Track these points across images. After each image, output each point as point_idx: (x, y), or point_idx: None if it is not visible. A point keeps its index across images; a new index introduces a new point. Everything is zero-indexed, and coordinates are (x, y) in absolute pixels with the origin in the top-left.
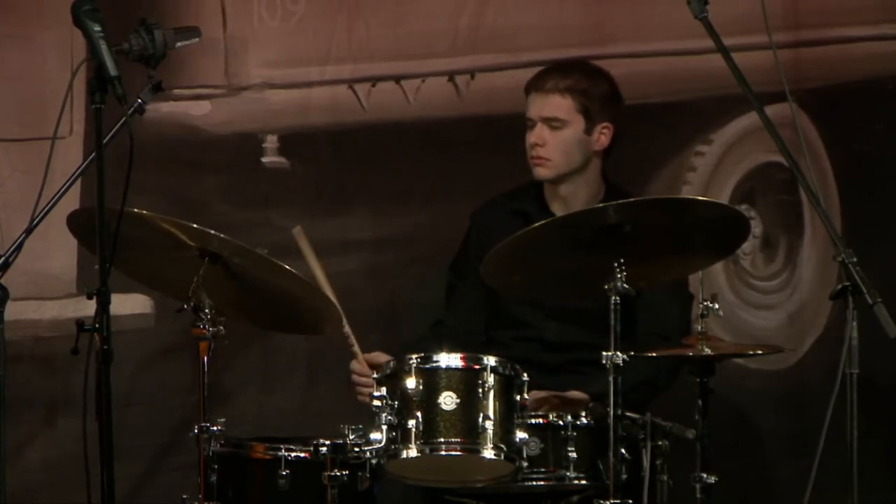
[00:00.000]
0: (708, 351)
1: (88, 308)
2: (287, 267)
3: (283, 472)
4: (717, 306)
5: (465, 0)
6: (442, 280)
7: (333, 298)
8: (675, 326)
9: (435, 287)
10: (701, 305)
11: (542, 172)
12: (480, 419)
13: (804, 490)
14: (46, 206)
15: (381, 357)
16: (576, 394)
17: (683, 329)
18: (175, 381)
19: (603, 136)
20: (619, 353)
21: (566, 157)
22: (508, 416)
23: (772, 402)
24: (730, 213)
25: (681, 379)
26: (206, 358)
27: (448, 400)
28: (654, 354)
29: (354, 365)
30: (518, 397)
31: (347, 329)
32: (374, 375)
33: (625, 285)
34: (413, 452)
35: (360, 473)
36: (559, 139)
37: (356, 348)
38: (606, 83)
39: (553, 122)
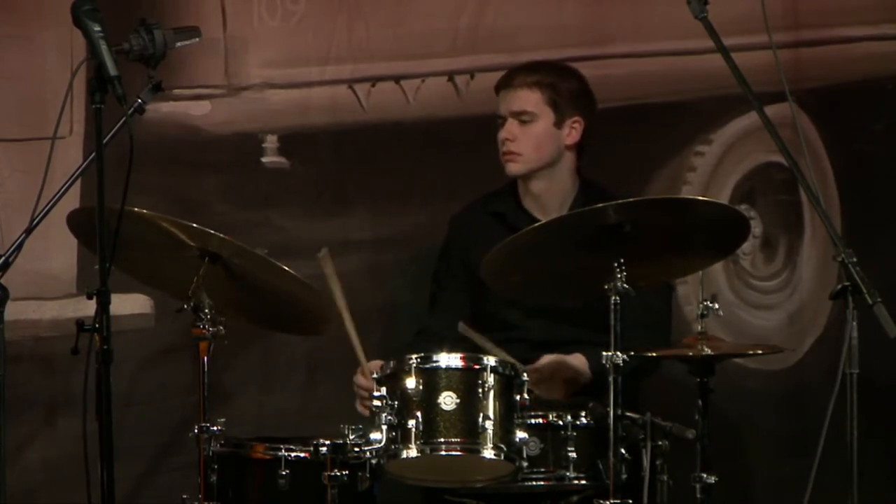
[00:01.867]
0: (708, 351)
1: (88, 308)
2: (286, 268)
3: (283, 472)
4: (717, 306)
5: (464, 0)
6: None
7: (353, 333)
8: (659, 318)
9: None
10: (701, 305)
11: (513, 168)
12: (480, 419)
13: (804, 490)
14: (46, 206)
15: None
16: (577, 358)
17: (666, 320)
18: (175, 381)
19: (574, 130)
20: (619, 353)
21: (537, 151)
22: (508, 416)
23: (772, 402)
24: (730, 213)
25: (680, 379)
26: (206, 358)
27: (448, 400)
28: (654, 354)
29: (360, 379)
30: (518, 397)
31: (355, 340)
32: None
33: (625, 285)
34: (413, 452)
35: (360, 473)
36: (529, 133)
37: (363, 359)
38: (576, 80)
39: (523, 116)
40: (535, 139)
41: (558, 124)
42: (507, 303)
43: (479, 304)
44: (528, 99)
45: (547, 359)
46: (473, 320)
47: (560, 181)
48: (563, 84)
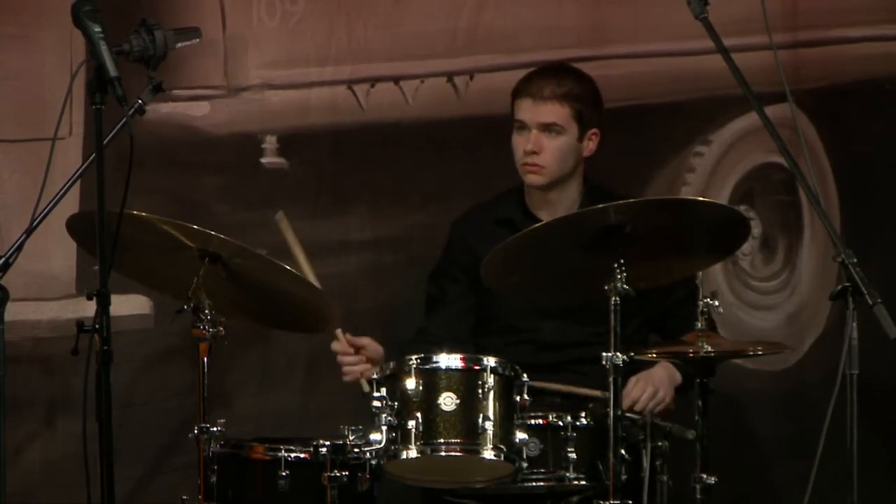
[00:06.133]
0: (708, 348)
1: (88, 309)
2: (287, 267)
3: (283, 473)
4: (717, 303)
5: (463, 1)
6: None
7: (316, 283)
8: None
9: None
10: (701, 303)
11: (535, 180)
12: (480, 420)
13: (804, 490)
14: (46, 207)
15: (364, 340)
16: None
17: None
18: (175, 381)
19: (591, 142)
20: (618, 353)
21: (560, 164)
22: (508, 417)
23: (772, 403)
24: (730, 214)
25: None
26: (205, 358)
27: (448, 401)
28: (654, 354)
29: (335, 345)
30: (518, 398)
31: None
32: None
33: (625, 286)
34: (413, 453)
35: (359, 474)
36: (555, 146)
37: (337, 330)
38: (593, 90)
39: (554, 128)
40: (560, 153)
41: (580, 138)
42: (513, 305)
43: (485, 309)
44: (559, 113)
45: (633, 379)
46: (478, 324)
47: (572, 189)
48: (587, 97)
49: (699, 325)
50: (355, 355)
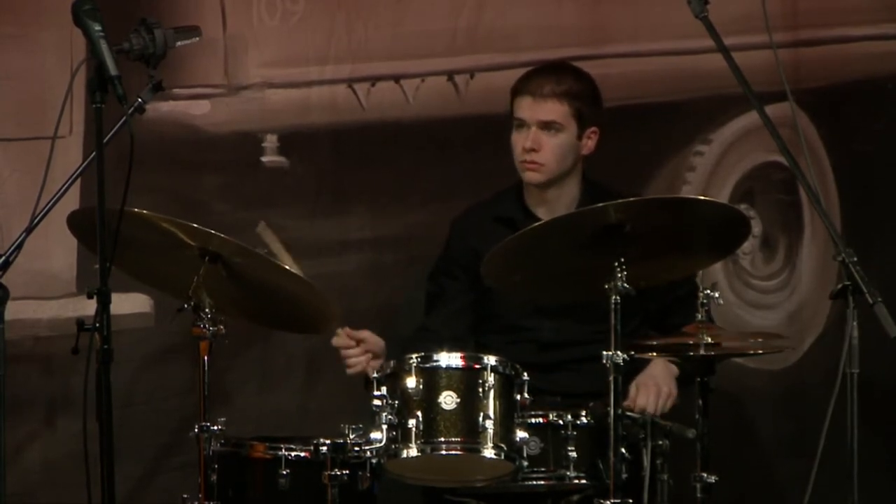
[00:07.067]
0: (708, 340)
1: (88, 307)
2: (287, 267)
3: (284, 472)
4: (717, 294)
5: (463, 0)
6: None
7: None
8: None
9: None
10: (701, 294)
11: (534, 177)
12: (481, 419)
13: (804, 490)
14: (46, 205)
15: (364, 333)
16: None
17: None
18: (175, 381)
19: (590, 140)
20: (619, 352)
21: (559, 162)
22: (509, 416)
23: (772, 402)
24: (730, 213)
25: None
26: (206, 357)
27: (448, 399)
28: (654, 353)
29: (336, 340)
30: (518, 397)
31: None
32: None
33: (625, 285)
34: (413, 452)
35: (360, 473)
36: (554, 144)
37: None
38: (593, 88)
39: (553, 125)
40: (560, 150)
41: (579, 136)
42: (513, 304)
43: (485, 307)
44: (558, 110)
45: (634, 387)
46: (478, 323)
47: (571, 188)
48: (586, 95)
49: (699, 316)
50: (357, 347)
